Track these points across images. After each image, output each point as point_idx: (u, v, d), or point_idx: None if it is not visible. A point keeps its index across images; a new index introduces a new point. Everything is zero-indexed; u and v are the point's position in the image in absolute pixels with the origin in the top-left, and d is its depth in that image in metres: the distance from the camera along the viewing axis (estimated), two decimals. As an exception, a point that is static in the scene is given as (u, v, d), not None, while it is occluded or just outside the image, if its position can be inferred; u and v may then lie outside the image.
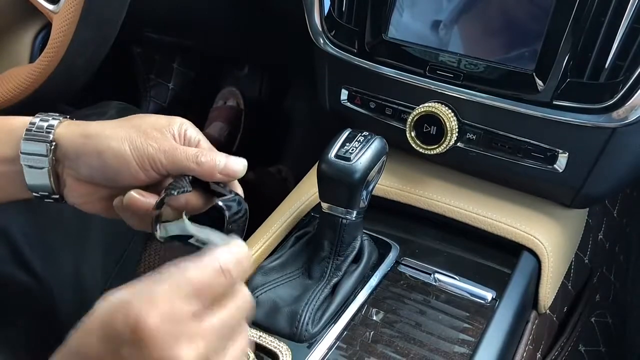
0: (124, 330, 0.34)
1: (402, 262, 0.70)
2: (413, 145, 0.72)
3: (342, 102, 0.80)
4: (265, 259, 0.69)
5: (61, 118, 0.55)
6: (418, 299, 0.65)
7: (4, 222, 0.71)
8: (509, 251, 0.70)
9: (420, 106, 0.70)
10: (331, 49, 0.77)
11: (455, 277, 0.68)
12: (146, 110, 1.58)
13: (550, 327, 0.76)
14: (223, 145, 1.51)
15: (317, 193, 0.65)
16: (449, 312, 0.64)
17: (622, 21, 0.60)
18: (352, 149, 0.62)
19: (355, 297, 0.65)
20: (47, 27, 0.85)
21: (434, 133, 0.70)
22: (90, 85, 0.88)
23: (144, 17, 1.04)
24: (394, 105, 0.75)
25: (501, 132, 0.69)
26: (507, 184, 0.75)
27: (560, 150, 0.66)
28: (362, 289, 0.66)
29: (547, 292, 0.69)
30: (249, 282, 0.65)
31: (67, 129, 0.54)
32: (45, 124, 0.54)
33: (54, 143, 0.53)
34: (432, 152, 0.71)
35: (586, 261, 0.84)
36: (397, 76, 0.73)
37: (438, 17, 0.71)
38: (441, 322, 0.63)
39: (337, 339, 0.61)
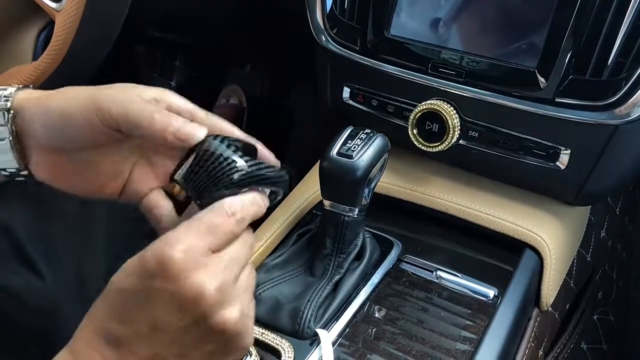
0: (153, 265, 0.41)
1: (404, 259, 0.70)
2: (415, 142, 0.72)
3: (344, 99, 0.80)
4: (268, 257, 0.70)
5: (24, 88, 0.51)
6: (420, 296, 0.65)
7: (6, 216, 0.70)
8: (511, 249, 0.70)
9: (423, 104, 0.70)
10: (333, 47, 0.77)
11: (457, 274, 0.68)
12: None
13: (553, 325, 0.76)
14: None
15: (320, 191, 0.65)
16: (451, 309, 0.64)
17: (624, 18, 0.60)
18: (354, 147, 0.62)
19: (357, 294, 0.65)
20: (50, 25, 0.86)
21: (436, 130, 0.70)
22: (93, 83, 0.88)
23: (144, 15, 1.04)
24: (396, 103, 0.75)
25: (503, 130, 0.69)
26: (509, 182, 0.75)
27: (563, 148, 0.66)
28: (364, 287, 0.66)
29: (549, 290, 0.69)
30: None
31: (28, 96, 0.51)
32: (2, 93, 0.50)
33: (11, 111, 0.50)
34: (434, 150, 0.71)
35: (588, 259, 0.84)
36: (399, 74, 0.73)
37: (440, 15, 0.70)
38: (443, 320, 0.63)
39: (340, 336, 0.61)
